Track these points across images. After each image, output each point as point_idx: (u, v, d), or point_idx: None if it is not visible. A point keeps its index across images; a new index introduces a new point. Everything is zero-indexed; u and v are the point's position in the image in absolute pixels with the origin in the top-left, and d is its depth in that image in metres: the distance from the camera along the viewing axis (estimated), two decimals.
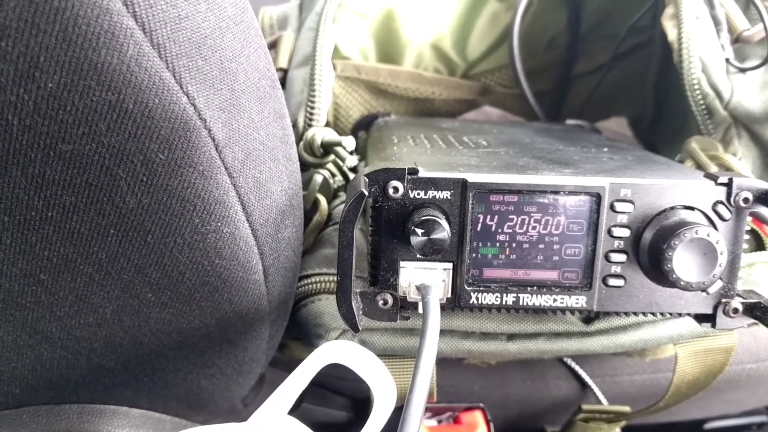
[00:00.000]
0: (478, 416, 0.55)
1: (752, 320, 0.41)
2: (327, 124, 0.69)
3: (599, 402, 0.63)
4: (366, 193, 0.37)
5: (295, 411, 0.63)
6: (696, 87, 0.53)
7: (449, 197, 0.39)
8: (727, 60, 0.54)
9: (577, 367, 0.63)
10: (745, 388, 0.66)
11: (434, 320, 0.35)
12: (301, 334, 0.50)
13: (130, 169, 0.31)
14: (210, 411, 0.52)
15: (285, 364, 0.51)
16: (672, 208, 0.39)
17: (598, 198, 0.39)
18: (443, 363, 0.57)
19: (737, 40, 0.55)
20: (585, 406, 0.60)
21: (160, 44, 0.29)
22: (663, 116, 0.71)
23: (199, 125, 0.31)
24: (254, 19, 0.36)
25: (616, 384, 0.64)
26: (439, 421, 0.56)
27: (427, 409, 0.55)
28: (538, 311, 0.41)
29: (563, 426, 0.63)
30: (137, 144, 0.30)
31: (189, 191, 0.33)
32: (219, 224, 0.35)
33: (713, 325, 0.41)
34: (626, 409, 0.60)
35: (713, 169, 0.51)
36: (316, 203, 0.51)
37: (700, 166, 0.52)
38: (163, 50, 0.29)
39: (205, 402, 0.49)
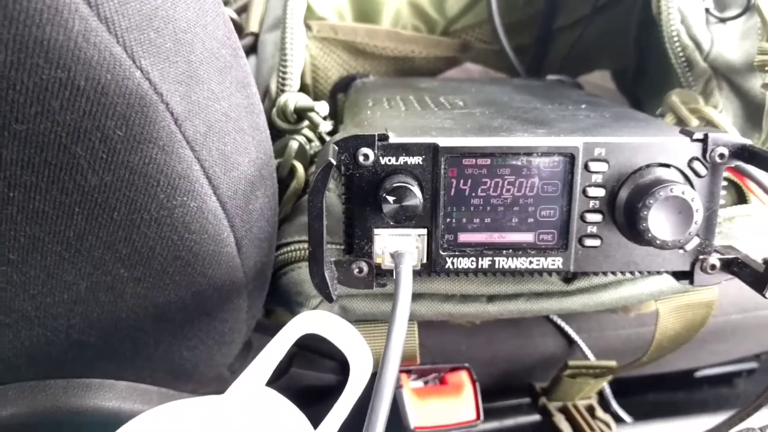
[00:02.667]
0: (463, 376, 0.56)
1: (730, 275, 0.41)
2: (305, 87, 0.68)
3: (586, 357, 0.63)
4: (334, 162, 0.36)
5: (284, 376, 0.63)
6: (675, 39, 0.52)
7: (421, 162, 0.38)
8: (707, 10, 0.53)
9: (563, 324, 0.63)
10: (732, 338, 0.67)
11: (406, 289, 0.35)
12: (283, 302, 0.50)
13: (89, 147, 0.31)
14: (197, 380, 0.52)
15: (273, 330, 0.51)
16: (647, 166, 0.39)
17: (571, 158, 0.38)
18: (429, 324, 0.57)
19: None
20: (571, 362, 0.61)
21: (107, 18, 0.28)
22: (646, 69, 0.70)
23: (156, 99, 0.31)
24: None
25: (602, 339, 0.64)
26: (426, 383, 0.57)
27: (412, 371, 0.56)
28: (515, 274, 0.41)
29: (551, 382, 0.64)
30: (93, 121, 0.30)
31: (151, 167, 0.32)
32: (185, 198, 0.34)
33: (691, 282, 0.41)
34: (612, 363, 0.61)
35: (694, 122, 0.51)
36: (292, 170, 0.50)
37: (680, 120, 0.51)
38: (112, 24, 0.28)
39: (190, 372, 0.50)
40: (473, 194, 0.39)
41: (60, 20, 0.27)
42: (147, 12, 0.30)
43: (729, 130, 0.50)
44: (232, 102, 0.36)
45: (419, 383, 0.56)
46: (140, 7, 0.29)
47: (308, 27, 0.67)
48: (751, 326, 0.65)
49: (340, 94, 0.67)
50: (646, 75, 0.69)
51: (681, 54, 0.52)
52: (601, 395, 0.67)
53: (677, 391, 0.86)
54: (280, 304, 0.52)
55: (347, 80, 0.67)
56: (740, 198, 0.51)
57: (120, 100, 0.30)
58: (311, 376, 0.64)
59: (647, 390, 0.85)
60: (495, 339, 0.63)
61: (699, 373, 0.83)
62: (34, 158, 0.30)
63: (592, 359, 0.63)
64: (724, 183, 0.40)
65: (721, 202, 0.40)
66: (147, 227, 0.35)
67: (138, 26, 0.29)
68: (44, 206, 0.33)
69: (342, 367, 0.65)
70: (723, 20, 0.53)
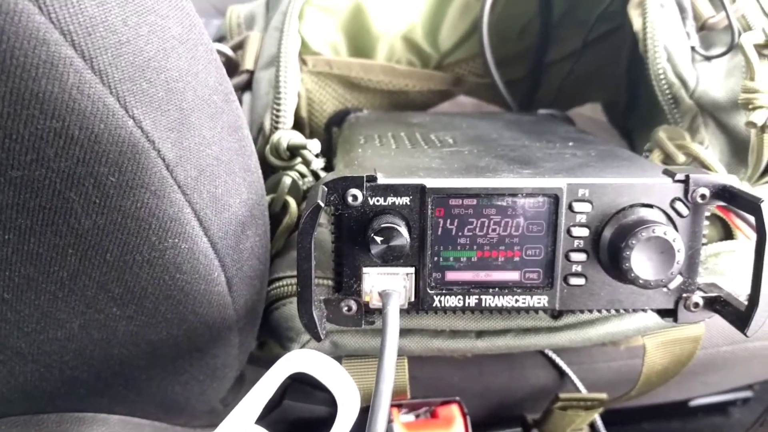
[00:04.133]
0: (454, 410, 0.56)
1: (713, 313, 0.41)
2: (301, 120, 0.69)
3: (577, 389, 0.63)
4: (322, 204, 0.37)
5: (277, 408, 0.63)
6: (662, 77, 0.53)
7: (408, 203, 0.39)
8: (693, 48, 0.54)
9: (554, 356, 0.63)
10: (722, 369, 0.67)
11: (393, 330, 0.36)
12: (274, 336, 0.51)
13: (82, 192, 0.31)
14: (189, 414, 0.53)
15: (265, 362, 0.52)
16: (630, 206, 0.40)
17: (555, 199, 0.39)
18: (420, 357, 0.57)
19: (703, 27, 0.55)
20: (562, 395, 0.61)
21: (101, 70, 0.29)
22: (636, 102, 0.71)
23: (148, 147, 0.31)
24: (204, 34, 0.36)
25: (593, 371, 0.64)
26: (417, 416, 0.57)
27: (403, 405, 0.56)
28: (501, 312, 0.42)
29: (542, 414, 0.64)
30: (87, 168, 0.31)
31: (143, 210, 0.33)
32: (176, 240, 0.35)
33: (675, 320, 0.42)
34: (603, 396, 0.61)
35: (681, 158, 0.52)
36: (285, 206, 0.51)
37: (667, 156, 0.52)
38: (105, 76, 0.29)
39: (182, 406, 0.50)
40: (460, 233, 0.40)
41: (55, 73, 0.28)
42: (140, 63, 0.30)
43: (715, 166, 0.50)
44: (223, 146, 0.37)
45: (410, 417, 0.56)
46: (133, 59, 0.30)
47: (303, 62, 0.68)
48: (741, 358, 0.65)
49: (334, 128, 0.68)
50: (637, 108, 0.70)
51: (667, 91, 0.53)
52: (592, 427, 0.67)
53: (671, 420, 0.86)
54: (272, 337, 0.52)
55: (342, 114, 0.68)
56: (726, 233, 0.52)
57: (113, 147, 0.30)
58: (304, 409, 0.64)
59: (641, 419, 0.85)
60: (486, 371, 0.63)
61: (693, 402, 0.83)
62: (29, 203, 0.31)
63: (584, 391, 0.63)
64: (709, 219, 0.40)
65: (704, 241, 0.41)
66: (139, 268, 0.36)
67: (131, 77, 0.30)
68: (39, 248, 0.33)
69: (334, 399, 0.65)
70: (708, 58, 0.54)
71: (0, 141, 0.29)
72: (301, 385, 0.64)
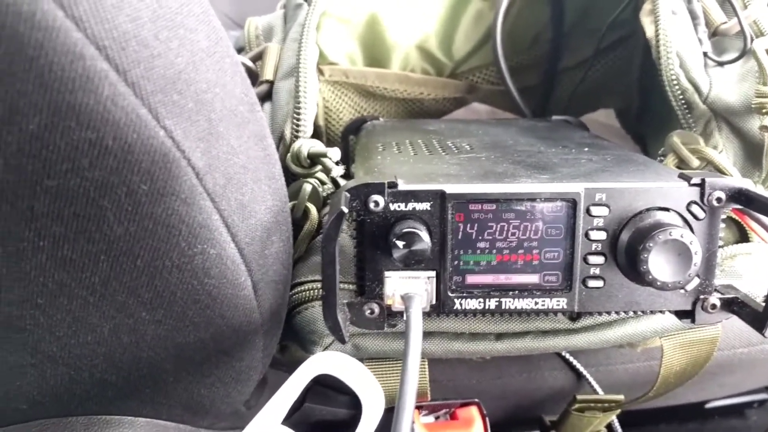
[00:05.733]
0: (474, 411, 0.57)
1: (730, 314, 0.42)
2: (318, 128, 0.70)
3: (594, 391, 0.64)
4: (345, 211, 0.38)
5: (298, 411, 0.64)
6: (675, 82, 0.54)
7: (429, 208, 0.40)
8: (705, 54, 0.54)
9: (571, 358, 0.64)
10: (739, 371, 0.67)
11: (416, 333, 0.36)
12: (297, 340, 0.52)
13: (115, 200, 0.32)
14: (213, 416, 0.53)
15: (287, 366, 0.52)
16: (647, 209, 0.40)
17: (573, 203, 0.40)
18: (439, 359, 0.58)
19: (715, 33, 0.55)
20: (579, 396, 0.61)
21: (134, 83, 0.30)
22: (649, 108, 0.71)
23: (179, 156, 0.33)
24: (230, 47, 0.38)
25: (610, 373, 0.65)
26: (437, 418, 0.58)
27: (423, 407, 0.57)
28: (521, 314, 0.43)
29: (560, 416, 0.64)
30: (119, 177, 0.32)
31: (173, 218, 0.34)
32: (205, 246, 0.36)
33: (693, 321, 0.42)
34: (620, 397, 0.61)
35: (695, 162, 0.52)
36: (306, 212, 0.52)
37: (682, 160, 0.53)
38: (138, 88, 0.30)
39: (207, 408, 0.51)
40: (480, 238, 0.41)
41: (91, 86, 0.29)
42: (171, 76, 0.32)
43: (729, 170, 0.51)
44: (249, 155, 0.38)
45: (430, 419, 0.57)
46: (164, 72, 0.31)
47: (321, 72, 0.69)
48: (758, 359, 0.65)
49: (351, 136, 0.69)
50: (650, 114, 0.71)
51: (681, 97, 0.54)
52: (609, 428, 0.67)
53: (688, 422, 0.86)
54: (294, 341, 0.53)
55: (358, 122, 0.69)
56: (742, 235, 0.52)
57: (145, 157, 0.31)
58: (325, 411, 0.64)
59: (658, 421, 0.85)
60: (505, 373, 0.64)
61: (710, 404, 0.83)
62: (64, 211, 0.32)
63: (601, 393, 0.63)
64: (725, 222, 0.41)
65: (721, 243, 0.41)
66: (168, 273, 0.37)
67: (162, 89, 0.31)
68: (72, 254, 0.34)
69: (355, 401, 0.66)
70: (721, 64, 0.54)
71: (37, 151, 0.30)
72: (321, 388, 0.65)
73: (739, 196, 0.40)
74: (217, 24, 0.37)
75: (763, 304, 0.39)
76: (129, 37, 0.30)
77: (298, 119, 0.54)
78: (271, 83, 0.58)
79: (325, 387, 0.65)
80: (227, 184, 0.36)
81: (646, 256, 0.38)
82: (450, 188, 0.40)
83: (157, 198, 0.33)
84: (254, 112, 0.40)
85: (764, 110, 0.50)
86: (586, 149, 0.51)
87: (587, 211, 0.40)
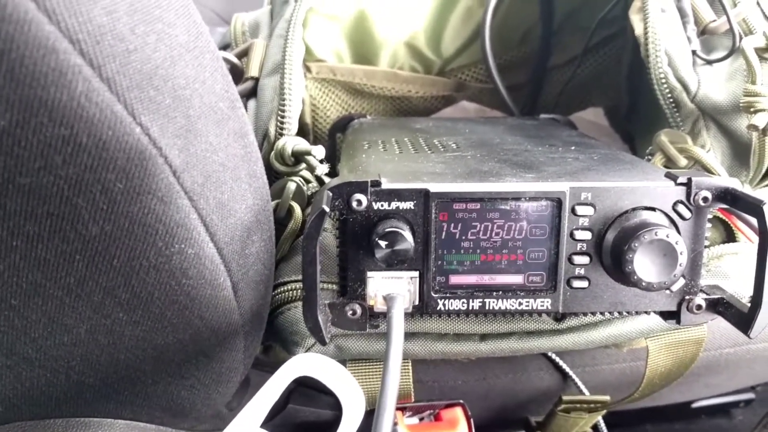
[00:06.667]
0: (458, 412, 0.56)
1: (716, 315, 0.42)
2: (305, 126, 0.70)
3: (580, 392, 0.64)
4: (327, 210, 0.37)
5: (281, 412, 0.64)
6: (663, 81, 0.53)
7: (412, 207, 0.40)
8: (694, 52, 0.54)
9: (557, 359, 0.64)
10: (725, 371, 0.67)
11: (398, 334, 0.36)
12: (279, 340, 0.51)
13: (90, 199, 0.32)
14: (194, 418, 0.53)
15: (271, 366, 0.52)
16: (633, 209, 0.40)
17: (558, 203, 0.40)
18: (424, 360, 0.58)
19: (704, 31, 0.55)
20: (565, 397, 0.61)
21: (109, 78, 0.29)
22: (637, 106, 0.71)
23: (155, 153, 0.32)
24: (210, 42, 0.37)
25: (596, 373, 0.65)
26: (421, 419, 0.57)
27: (407, 408, 0.56)
28: (505, 315, 0.42)
29: (545, 417, 0.64)
30: (94, 175, 0.31)
31: (150, 216, 0.33)
32: (183, 246, 0.36)
33: (678, 322, 0.42)
34: (606, 398, 0.61)
35: (683, 161, 0.52)
36: (290, 211, 0.51)
37: (669, 159, 0.53)
38: (113, 84, 0.29)
39: (188, 410, 0.50)
40: (463, 237, 0.40)
41: (64, 81, 0.28)
42: (147, 71, 0.31)
43: (717, 169, 0.51)
44: (229, 152, 0.38)
45: (414, 420, 0.57)
46: (141, 67, 0.30)
47: (308, 69, 0.68)
48: (744, 359, 0.65)
49: (338, 134, 0.68)
50: (638, 112, 0.71)
51: (669, 95, 0.54)
52: (595, 429, 0.67)
53: (674, 422, 0.86)
54: (276, 341, 0.53)
55: (345, 120, 0.68)
56: (729, 236, 0.52)
57: (120, 154, 0.31)
58: (308, 412, 0.64)
59: (644, 421, 0.85)
60: (490, 374, 0.64)
61: (696, 404, 0.83)
62: (37, 209, 0.32)
63: (587, 394, 0.63)
64: (711, 221, 0.41)
65: (707, 243, 0.41)
66: (146, 273, 0.36)
67: (138, 85, 0.30)
68: (46, 254, 0.34)
69: (339, 402, 0.65)
70: (710, 62, 0.54)
71: (9, 148, 0.29)
72: (305, 389, 0.64)
73: (725, 196, 0.40)
74: (198, 18, 0.36)
75: (749, 304, 0.39)
76: (104, 30, 0.29)
77: (282, 116, 0.53)
78: (257, 80, 0.57)
79: (308, 388, 0.65)
80: (206, 183, 0.35)
81: (631, 256, 0.38)
82: (434, 187, 0.39)
83: (133, 196, 0.32)
84: (235, 108, 0.39)
85: (752, 109, 0.49)
86: (573, 148, 0.51)
87: (572, 210, 0.40)
